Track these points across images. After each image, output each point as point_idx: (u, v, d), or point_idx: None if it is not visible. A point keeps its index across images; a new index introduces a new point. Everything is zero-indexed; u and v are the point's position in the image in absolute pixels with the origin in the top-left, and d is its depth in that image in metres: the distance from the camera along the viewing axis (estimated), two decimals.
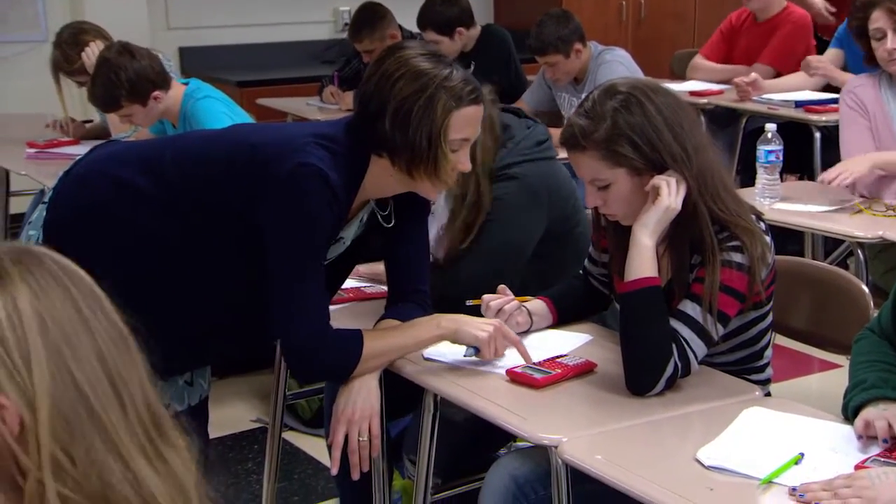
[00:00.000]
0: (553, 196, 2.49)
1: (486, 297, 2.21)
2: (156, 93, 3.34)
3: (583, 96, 4.23)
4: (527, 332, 2.23)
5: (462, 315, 2.14)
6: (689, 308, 1.96)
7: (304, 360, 2.04)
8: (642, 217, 1.98)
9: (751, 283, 1.96)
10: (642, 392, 1.92)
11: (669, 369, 1.91)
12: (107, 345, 1.03)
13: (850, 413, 1.77)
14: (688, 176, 1.97)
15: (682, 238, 2.01)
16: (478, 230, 2.42)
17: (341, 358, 2.06)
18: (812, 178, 4.29)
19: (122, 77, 3.28)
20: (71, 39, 4.04)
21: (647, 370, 1.92)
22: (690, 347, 1.94)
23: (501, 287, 2.23)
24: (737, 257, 1.96)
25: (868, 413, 1.72)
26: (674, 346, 1.92)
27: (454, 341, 2.11)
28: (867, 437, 1.70)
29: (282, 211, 1.99)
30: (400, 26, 4.93)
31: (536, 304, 2.26)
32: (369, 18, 4.84)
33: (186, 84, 3.49)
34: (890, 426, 1.68)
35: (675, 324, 1.95)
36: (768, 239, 2.02)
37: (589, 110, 1.99)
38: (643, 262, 1.96)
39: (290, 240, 1.99)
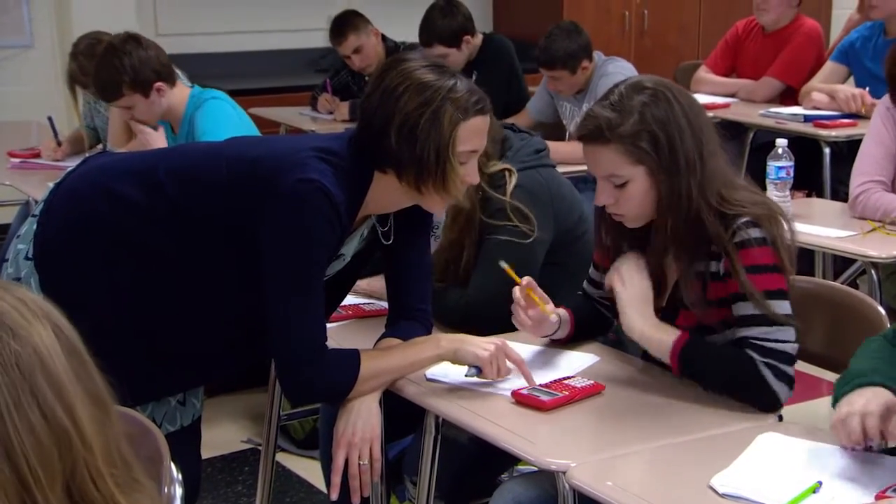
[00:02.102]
0: (557, 203, 2.50)
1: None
2: (159, 84, 3.30)
3: (584, 106, 4.33)
4: (532, 347, 2.22)
5: (463, 335, 2.14)
6: (743, 308, 1.97)
7: (299, 381, 2.04)
8: (622, 316, 2.04)
9: (777, 253, 1.96)
10: (775, 409, 1.96)
11: (769, 378, 1.93)
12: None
13: (834, 407, 1.76)
14: (692, 183, 1.97)
15: (686, 242, 2.01)
16: (484, 242, 2.41)
17: (337, 379, 2.05)
18: (821, 194, 4.31)
19: (126, 63, 3.26)
20: (88, 51, 4.00)
21: (756, 398, 1.95)
22: (770, 340, 1.95)
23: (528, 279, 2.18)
24: (754, 232, 1.96)
25: (840, 411, 1.71)
26: (751, 355, 1.95)
27: (454, 361, 2.11)
28: (850, 445, 1.69)
29: (281, 227, 1.98)
30: (383, 36, 4.96)
31: (560, 311, 2.25)
32: (349, 19, 4.91)
33: (192, 87, 3.47)
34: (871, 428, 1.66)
35: (744, 331, 1.97)
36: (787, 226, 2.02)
37: (616, 103, 1.99)
38: (656, 339, 2.02)
39: (288, 257, 1.99)
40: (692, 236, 2.00)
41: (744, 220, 1.97)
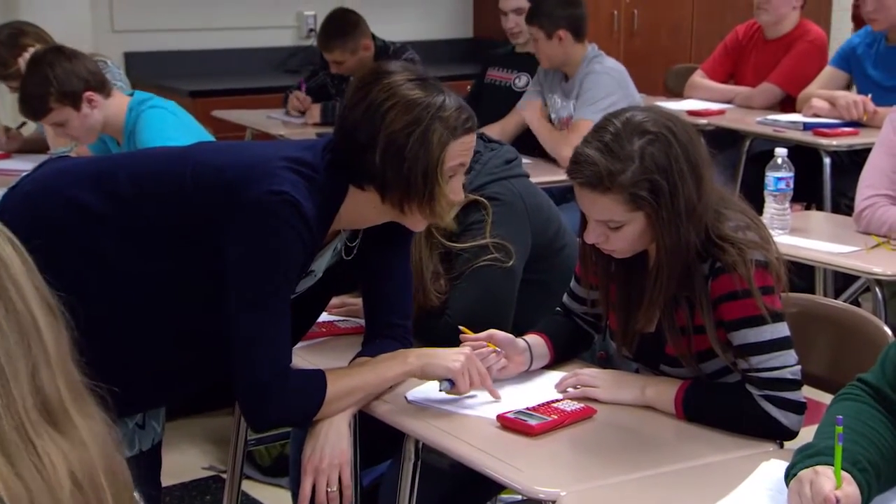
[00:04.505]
0: (533, 215, 2.51)
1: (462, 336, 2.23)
2: (89, 93, 3.25)
3: (572, 103, 4.33)
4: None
5: (432, 349, 2.15)
6: (736, 338, 2.00)
7: (259, 405, 2.03)
8: (617, 401, 2.10)
9: (748, 277, 1.98)
10: (793, 437, 2.00)
11: (771, 410, 1.97)
12: None
13: (787, 481, 1.70)
14: (691, 227, 1.99)
15: (670, 278, 2.03)
16: (458, 262, 2.42)
17: (301, 403, 2.05)
18: (821, 207, 4.35)
19: (50, 75, 3.21)
20: (8, 41, 4.01)
21: (765, 432, 1.98)
22: (766, 369, 1.98)
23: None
24: (727, 258, 2.00)
25: (792, 486, 1.65)
26: (749, 390, 1.99)
27: (424, 377, 2.12)
28: None
29: (247, 241, 1.98)
30: (373, 35, 4.96)
31: (535, 341, 2.27)
32: (341, 27, 4.86)
33: (132, 96, 3.45)
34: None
35: (742, 363, 2.00)
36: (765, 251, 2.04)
37: (613, 147, 1.97)
38: (656, 398, 2.06)
39: (254, 273, 1.99)
40: (678, 277, 2.03)
41: (726, 252, 2.00)
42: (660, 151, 1.97)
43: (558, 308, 2.36)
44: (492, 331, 2.21)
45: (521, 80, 4.71)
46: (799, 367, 2.01)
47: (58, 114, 3.27)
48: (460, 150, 2.06)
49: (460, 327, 2.22)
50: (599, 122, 2.06)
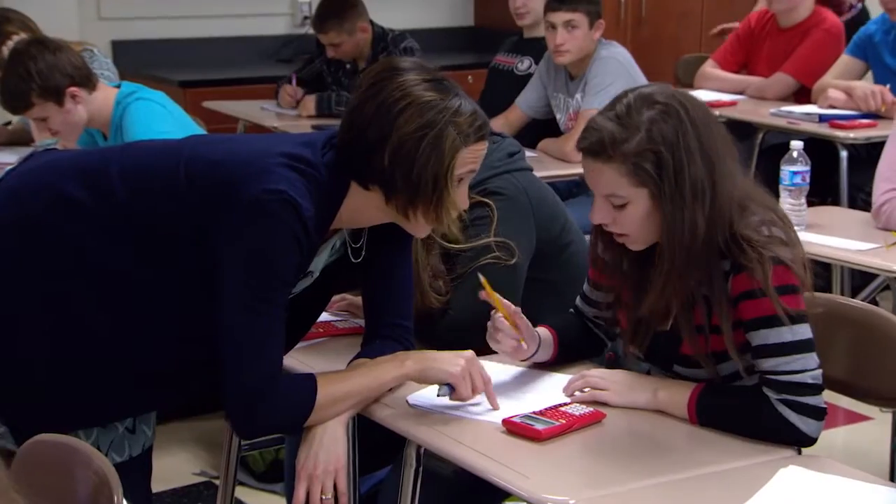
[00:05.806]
0: (537, 210, 2.51)
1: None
2: (73, 89, 3.25)
3: (577, 97, 4.32)
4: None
5: (430, 352, 2.15)
6: (755, 338, 1.99)
7: (247, 413, 2.02)
8: (628, 403, 2.09)
9: (764, 278, 1.97)
10: (812, 443, 1.99)
11: (789, 415, 1.96)
12: None
13: None
14: (699, 214, 1.98)
15: (686, 276, 2.02)
16: (460, 262, 2.41)
17: (289, 409, 2.04)
18: (836, 202, 4.34)
19: (33, 69, 3.21)
20: None
21: (782, 437, 1.97)
22: (785, 372, 1.97)
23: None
24: (747, 255, 1.99)
25: None
26: (767, 393, 1.98)
27: (422, 381, 2.12)
28: None
29: (242, 241, 1.97)
30: (371, 21, 4.96)
31: (542, 332, 2.26)
32: (338, 8, 4.87)
33: (118, 88, 3.43)
34: None
35: (760, 363, 1.99)
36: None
37: (622, 116, 1.99)
38: (668, 402, 2.05)
39: (247, 275, 1.98)
40: (695, 272, 2.02)
41: (746, 249, 1.99)
42: (668, 124, 1.97)
43: (571, 310, 2.35)
44: (518, 309, 2.18)
45: (523, 64, 4.71)
46: (820, 370, 2.00)
47: (39, 109, 3.28)
48: (471, 158, 2.06)
49: (482, 279, 2.17)
50: (617, 94, 2.07)
